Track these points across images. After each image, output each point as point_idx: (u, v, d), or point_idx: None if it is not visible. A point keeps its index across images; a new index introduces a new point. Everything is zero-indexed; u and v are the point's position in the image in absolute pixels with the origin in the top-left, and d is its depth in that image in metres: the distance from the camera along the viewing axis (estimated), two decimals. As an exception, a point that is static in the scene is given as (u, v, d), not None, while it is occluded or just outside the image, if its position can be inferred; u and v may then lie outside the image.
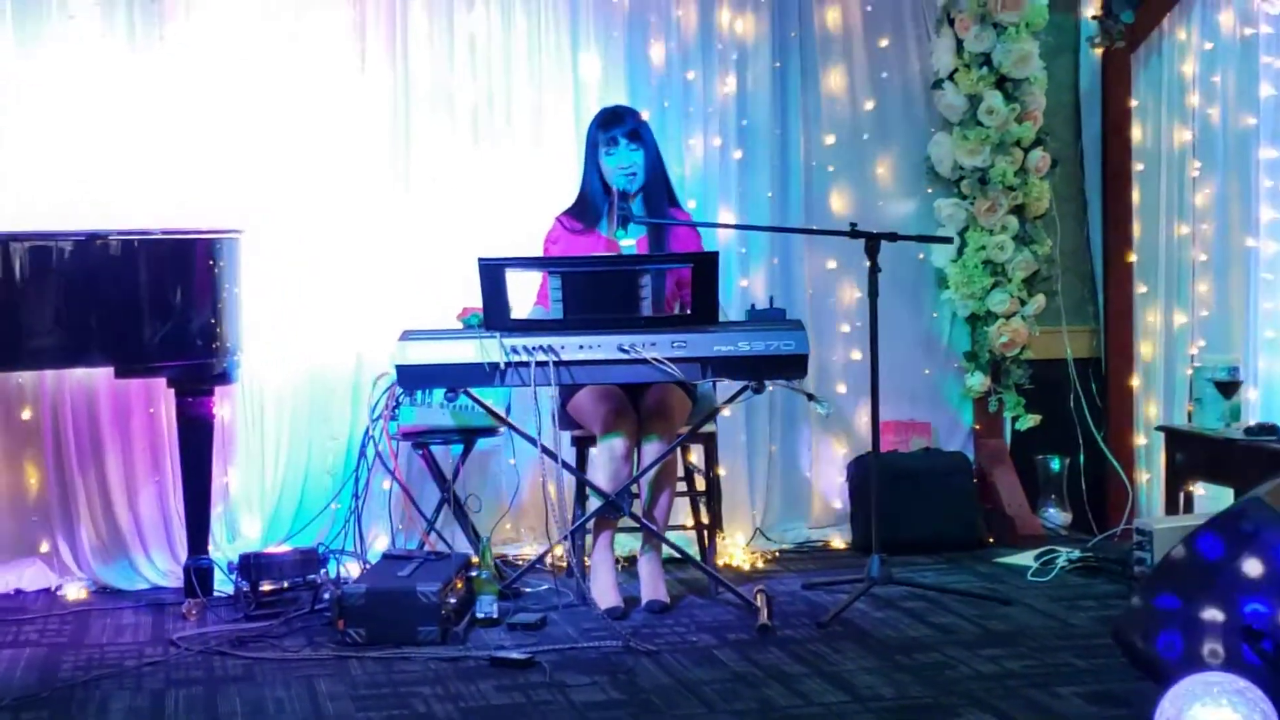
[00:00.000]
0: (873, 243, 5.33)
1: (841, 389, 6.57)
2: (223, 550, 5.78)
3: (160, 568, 5.81)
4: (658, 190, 5.58)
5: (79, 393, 5.76)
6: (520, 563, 5.93)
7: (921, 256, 6.63)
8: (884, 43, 6.59)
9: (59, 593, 5.67)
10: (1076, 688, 4.27)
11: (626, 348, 4.98)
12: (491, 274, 5.01)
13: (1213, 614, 3.75)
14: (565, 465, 5.30)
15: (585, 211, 5.62)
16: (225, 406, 5.83)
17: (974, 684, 4.35)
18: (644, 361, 4.98)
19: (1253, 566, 3.72)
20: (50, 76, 5.74)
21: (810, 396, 5.31)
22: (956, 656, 4.64)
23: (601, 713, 4.17)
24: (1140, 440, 6.72)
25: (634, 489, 5.35)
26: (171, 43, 5.87)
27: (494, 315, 5.04)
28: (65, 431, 5.76)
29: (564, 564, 5.66)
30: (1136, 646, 3.87)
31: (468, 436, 5.73)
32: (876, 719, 4.08)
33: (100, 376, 5.69)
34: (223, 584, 5.50)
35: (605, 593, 5.24)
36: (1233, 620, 3.71)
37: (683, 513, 5.88)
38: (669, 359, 4.96)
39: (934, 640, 4.84)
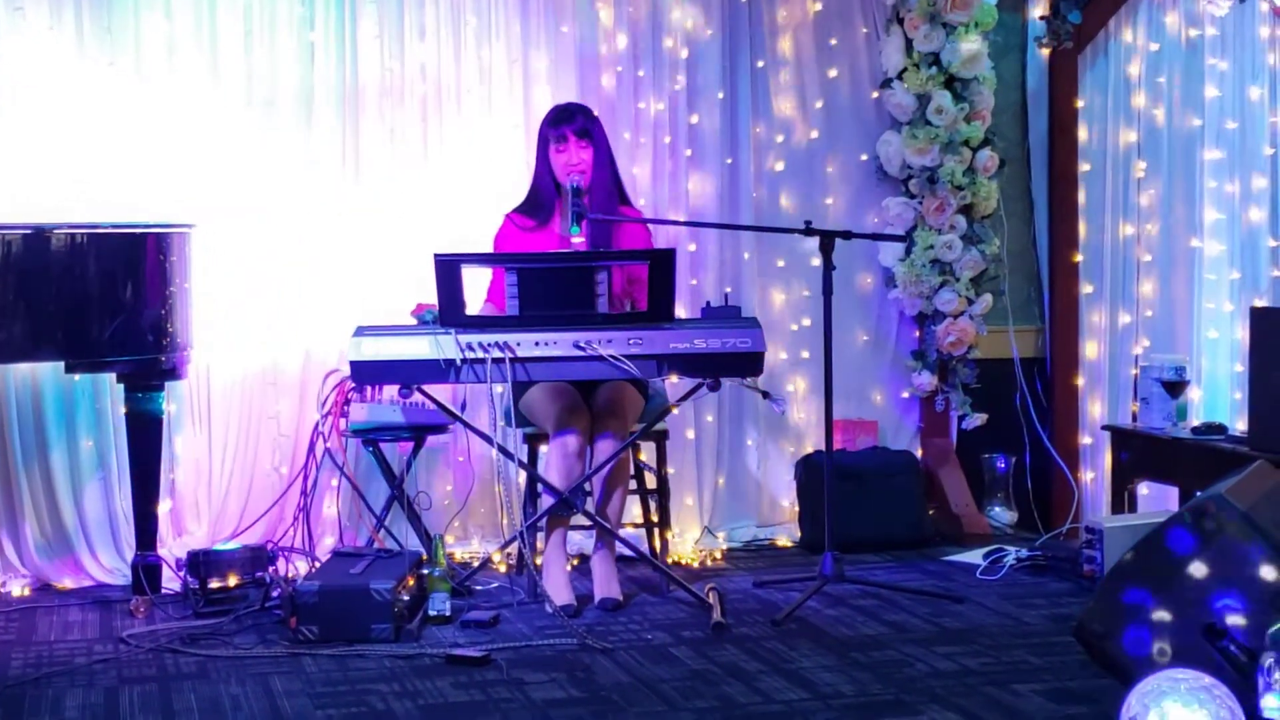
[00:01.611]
0: (827, 241, 5.33)
1: (790, 388, 6.58)
2: (169, 547, 5.71)
3: (106, 564, 5.74)
4: (607, 187, 5.57)
5: (24, 387, 5.67)
6: (471, 560, 5.89)
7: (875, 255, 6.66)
8: (833, 41, 6.60)
9: (3, 590, 5.58)
10: (1035, 685, 4.29)
11: (583, 345, 4.97)
12: (447, 270, 4.98)
13: (1176, 610, 3.78)
14: (520, 463, 5.27)
15: (536, 208, 5.60)
16: (173, 402, 5.76)
17: (933, 681, 4.36)
18: (600, 358, 4.96)
19: (1215, 563, 3.75)
20: (-2, 69, 5.68)
21: (765, 394, 5.31)
22: (913, 654, 4.65)
23: (562, 710, 4.15)
24: (1085, 439, 6.77)
25: (586, 486, 5.34)
26: (119, 37, 5.80)
27: (449, 311, 5.02)
28: (9, 426, 5.67)
29: (516, 561, 5.64)
30: (1101, 643, 3.89)
31: (418, 433, 5.69)
32: (838, 716, 4.08)
33: (46, 370, 5.62)
34: (169, 581, 5.43)
35: (558, 590, 5.22)
36: (1197, 617, 3.74)
37: (632, 510, 5.86)
38: (625, 356, 4.95)
39: (889, 638, 4.86)
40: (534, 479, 5.43)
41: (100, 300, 5.07)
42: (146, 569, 5.28)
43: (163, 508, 5.59)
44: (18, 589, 5.58)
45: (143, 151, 5.81)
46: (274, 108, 5.98)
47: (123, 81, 5.80)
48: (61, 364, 5.19)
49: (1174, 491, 5.98)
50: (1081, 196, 6.76)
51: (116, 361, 5.17)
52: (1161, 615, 3.82)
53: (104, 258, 5.08)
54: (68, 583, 5.66)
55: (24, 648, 4.84)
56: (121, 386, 5.27)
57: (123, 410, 5.33)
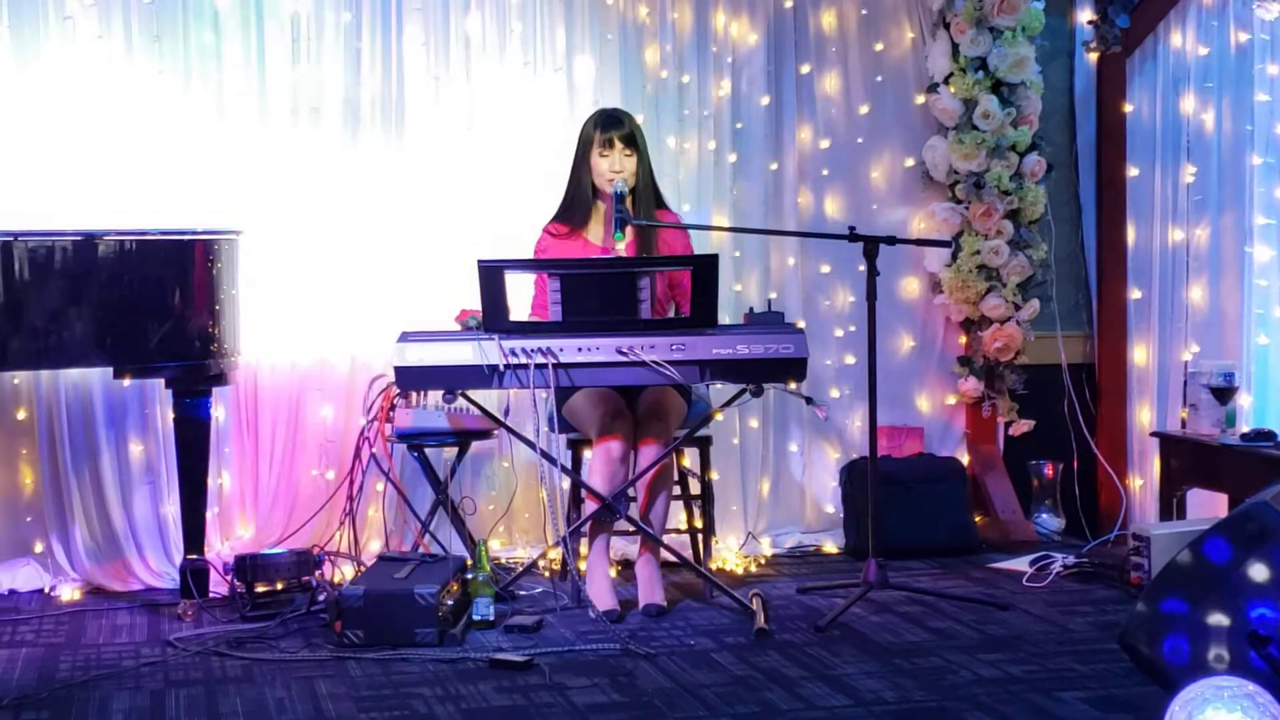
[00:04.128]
0: (871, 246, 5.32)
1: (835, 393, 6.57)
2: (217, 551, 5.76)
3: (154, 568, 5.79)
4: (647, 194, 5.58)
5: (74, 392, 5.73)
6: (514, 565, 5.91)
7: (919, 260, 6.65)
8: (879, 46, 6.59)
9: (53, 593, 5.65)
10: (1080, 693, 4.27)
11: (625, 350, 4.97)
12: (490, 276, 5.00)
13: (1219, 618, 3.75)
14: (563, 469, 5.28)
15: (574, 213, 5.60)
16: (220, 407, 5.80)
17: (976, 688, 4.34)
18: (642, 364, 4.97)
19: (1259, 571, 3.72)
20: (48, 78, 5.72)
21: (809, 400, 5.30)
22: (957, 661, 4.64)
23: (603, 715, 4.15)
24: (1133, 446, 6.72)
25: (630, 492, 5.35)
26: (168, 43, 5.85)
27: (493, 317, 5.03)
28: (60, 431, 5.73)
29: (559, 566, 5.65)
30: (1143, 651, 3.87)
31: (462, 439, 5.72)
32: (880, 723, 4.08)
33: (95, 376, 5.68)
34: (217, 585, 5.47)
35: (601, 595, 5.22)
36: (1239, 625, 3.71)
37: (676, 516, 5.87)
38: (667, 361, 4.96)
39: (933, 645, 4.84)
40: (577, 484, 5.44)
41: (148, 306, 5.12)
42: (194, 573, 5.32)
43: (210, 512, 5.63)
44: (67, 592, 5.64)
45: (190, 159, 5.86)
46: (320, 115, 6.02)
47: (171, 90, 5.85)
48: (110, 370, 5.24)
49: (1223, 499, 5.94)
50: (1129, 202, 6.72)
51: (165, 367, 5.22)
52: (1202, 623, 3.79)
53: (152, 264, 5.13)
54: (116, 586, 5.71)
55: (72, 650, 4.89)
56: (170, 392, 5.32)
57: (171, 415, 5.38)
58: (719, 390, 5.60)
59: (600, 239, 5.56)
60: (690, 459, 5.78)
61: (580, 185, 5.58)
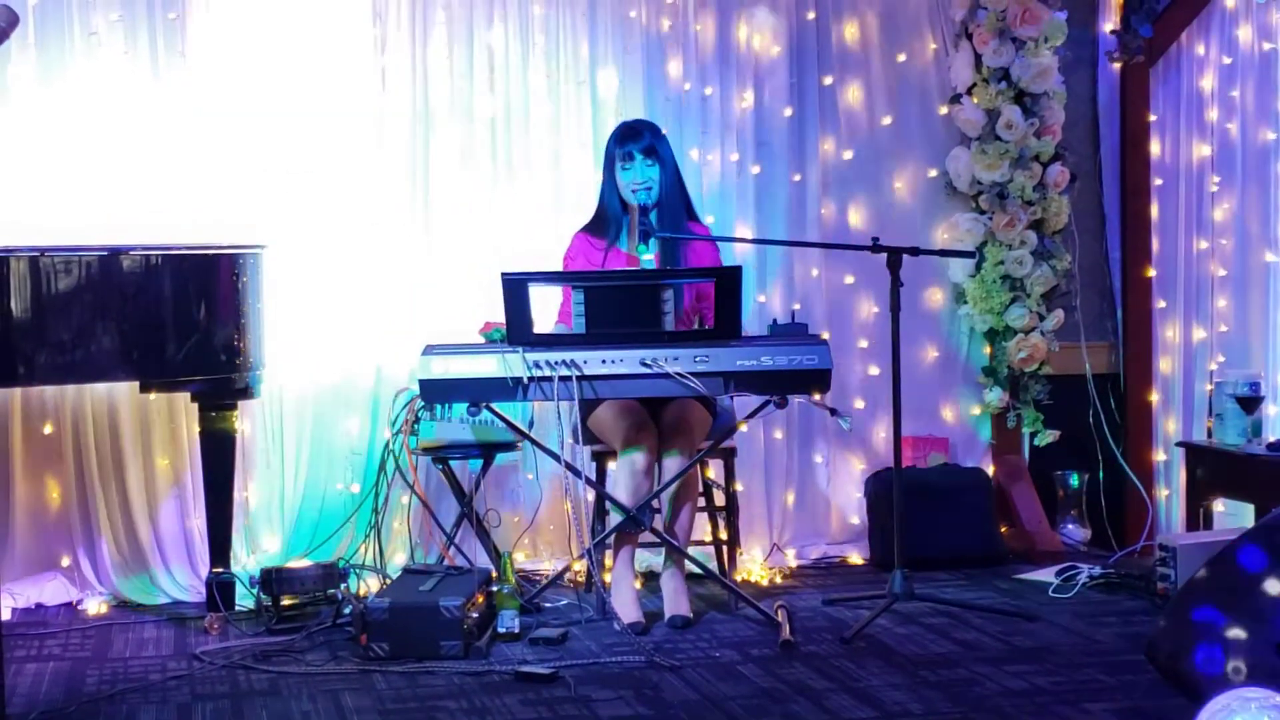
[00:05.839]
0: (895, 257, 5.32)
1: (859, 404, 6.56)
2: (243, 564, 5.77)
3: (180, 582, 5.81)
4: (675, 205, 5.59)
5: (100, 406, 5.76)
6: (539, 578, 5.91)
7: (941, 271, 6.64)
8: (902, 57, 6.58)
9: (80, 607, 5.66)
10: (1106, 704, 4.25)
11: (649, 362, 4.98)
12: (514, 288, 5.01)
13: (1249, 628, 3.74)
14: (588, 481, 5.28)
15: (604, 226, 5.63)
16: (246, 420, 5.81)
17: (1003, 700, 4.33)
18: (667, 376, 4.97)
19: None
20: (74, 94, 5.75)
21: (833, 411, 5.28)
22: (983, 673, 4.63)
23: (629, 728, 4.17)
24: (1159, 456, 6.71)
25: (655, 504, 5.35)
26: (193, 60, 5.87)
27: (517, 330, 5.04)
28: (87, 445, 5.76)
29: (584, 579, 5.65)
30: (1172, 662, 3.86)
31: (487, 451, 5.73)
32: (906, 735, 4.08)
33: (122, 390, 5.70)
34: (243, 598, 5.49)
35: (627, 608, 5.22)
36: (1269, 635, 3.70)
37: (701, 528, 5.86)
38: (691, 374, 4.96)
39: (959, 656, 4.83)
40: (602, 496, 5.44)
41: (174, 321, 5.14)
42: (220, 586, 5.33)
43: (236, 525, 5.63)
44: (95, 606, 5.65)
45: (217, 172, 5.88)
46: (346, 128, 6.03)
47: (197, 105, 5.87)
48: (136, 384, 5.26)
49: (1250, 508, 5.92)
50: (1154, 211, 6.71)
51: (190, 381, 5.24)
52: (1234, 633, 3.78)
53: (178, 278, 5.15)
54: (143, 600, 5.72)
55: (99, 664, 4.90)
56: (195, 405, 5.34)
57: (197, 429, 5.40)
58: (743, 402, 5.60)
59: (631, 251, 5.57)
60: (715, 470, 5.77)
61: (608, 199, 5.60)
